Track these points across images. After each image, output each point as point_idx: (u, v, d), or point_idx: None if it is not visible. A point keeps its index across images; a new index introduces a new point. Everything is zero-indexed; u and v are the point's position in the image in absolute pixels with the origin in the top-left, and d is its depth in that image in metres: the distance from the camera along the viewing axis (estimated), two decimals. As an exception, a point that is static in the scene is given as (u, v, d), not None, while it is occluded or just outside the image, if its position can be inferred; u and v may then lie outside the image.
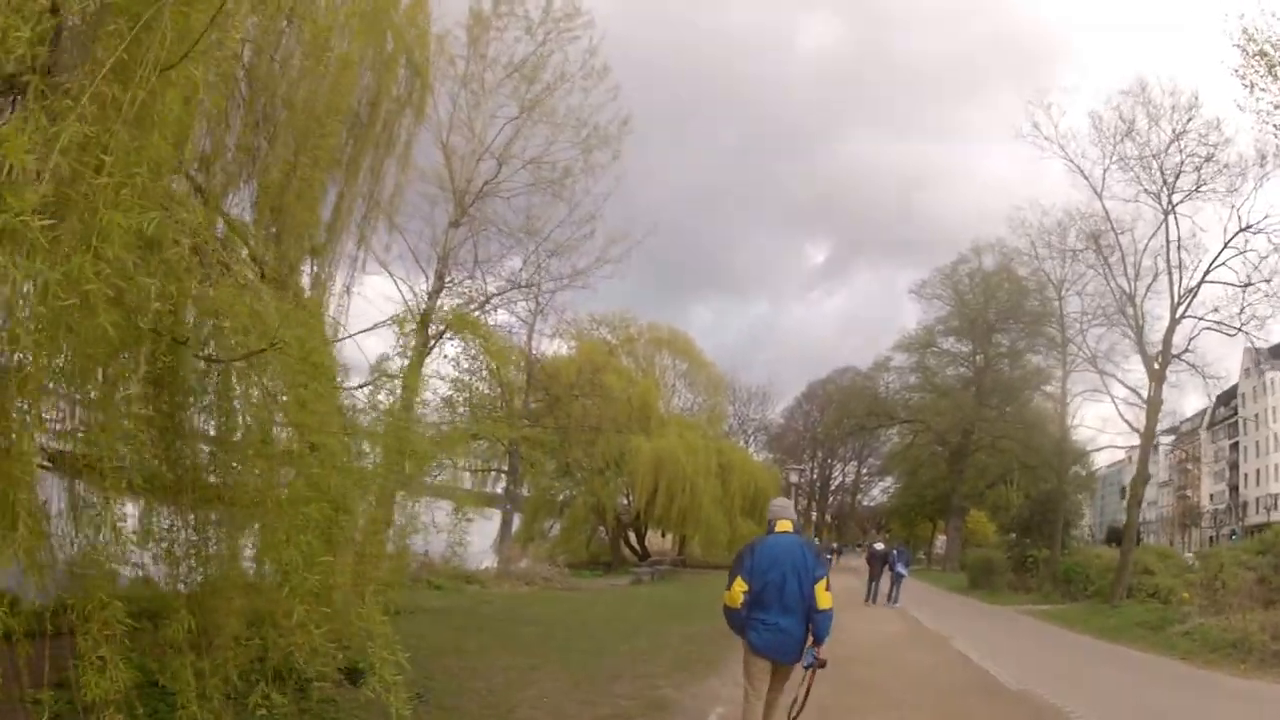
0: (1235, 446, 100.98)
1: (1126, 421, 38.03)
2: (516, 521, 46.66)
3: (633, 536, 59.25)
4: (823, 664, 8.73)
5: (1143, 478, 36.37)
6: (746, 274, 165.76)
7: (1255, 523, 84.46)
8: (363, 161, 12.15)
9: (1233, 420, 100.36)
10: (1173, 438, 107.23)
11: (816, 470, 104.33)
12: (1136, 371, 37.73)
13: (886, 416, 79.09)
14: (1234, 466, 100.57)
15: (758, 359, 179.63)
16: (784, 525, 8.97)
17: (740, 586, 8.52)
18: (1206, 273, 33.72)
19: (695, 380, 67.09)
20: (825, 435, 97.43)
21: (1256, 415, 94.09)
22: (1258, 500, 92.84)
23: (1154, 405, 35.44)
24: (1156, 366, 34.84)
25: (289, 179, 9.82)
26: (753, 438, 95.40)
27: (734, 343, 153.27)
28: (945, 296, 74.22)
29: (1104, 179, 35.38)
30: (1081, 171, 35.91)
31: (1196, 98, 33.01)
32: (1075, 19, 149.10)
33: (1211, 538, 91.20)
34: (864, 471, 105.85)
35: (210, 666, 6.83)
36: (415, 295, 22.72)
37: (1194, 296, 34.08)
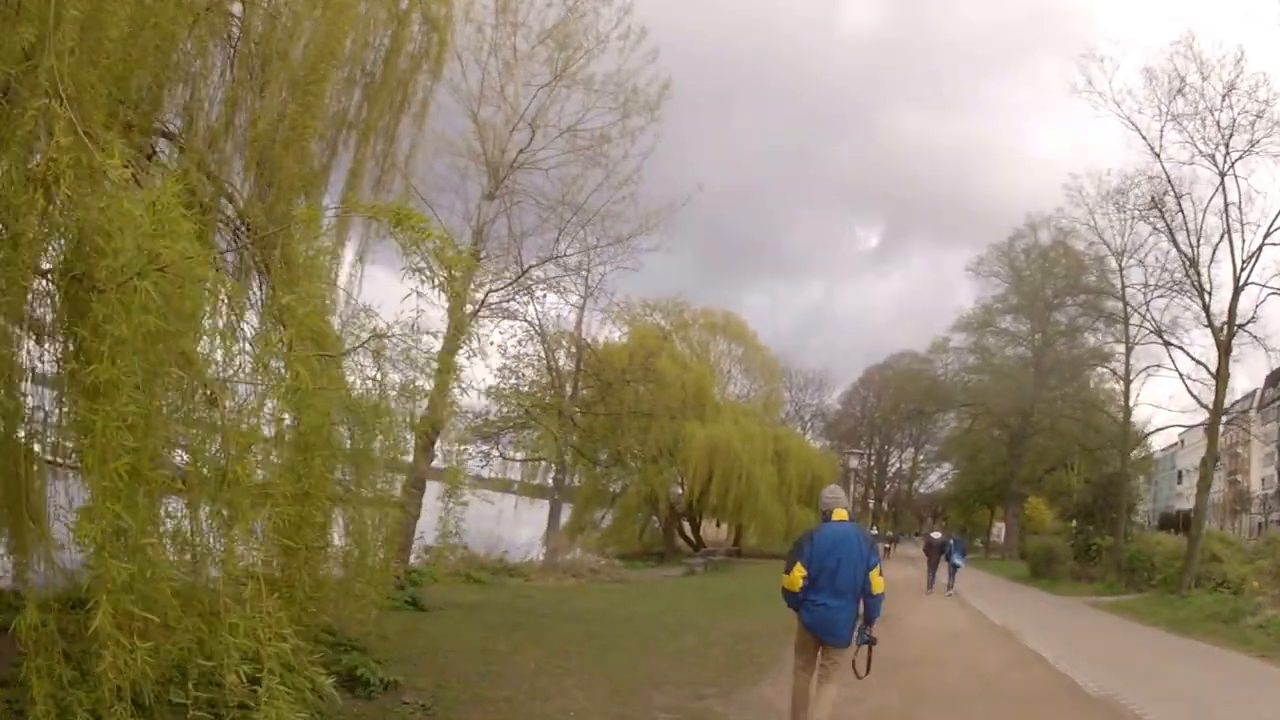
0: None
1: (1194, 396, 37.26)
2: (566, 512, 45.81)
3: (687, 526, 58.63)
4: (874, 641, 9.59)
5: (1213, 457, 35.13)
6: (799, 258, 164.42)
7: None
8: (376, 123, 11.27)
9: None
10: (1224, 420, 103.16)
11: (873, 457, 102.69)
12: (1198, 345, 36.82)
13: (945, 400, 77.92)
14: None
15: (813, 344, 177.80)
16: (839, 514, 9.49)
17: (799, 571, 9.15)
18: (1266, 235, 32.66)
19: (751, 366, 66.08)
20: (882, 421, 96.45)
21: None
22: None
23: (1222, 378, 34.28)
24: (1223, 337, 33.53)
25: (276, 127, 8.85)
26: (810, 424, 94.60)
27: (789, 328, 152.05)
28: (1002, 274, 72.98)
29: (1161, 136, 34.06)
30: (1138, 129, 34.55)
31: (1243, 52, 31.98)
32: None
33: (1261, 524, 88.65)
34: (921, 458, 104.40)
35: (71, 675, 5.49)
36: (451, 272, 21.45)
37: (1256, 261, 33.04)
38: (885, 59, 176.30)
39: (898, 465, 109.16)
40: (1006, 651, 19.37)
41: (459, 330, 20.11)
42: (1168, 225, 35.58)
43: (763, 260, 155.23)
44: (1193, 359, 36.17)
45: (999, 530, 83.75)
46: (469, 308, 21.34)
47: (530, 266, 22.74)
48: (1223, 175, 32.85)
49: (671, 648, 15.57)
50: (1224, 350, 33.63)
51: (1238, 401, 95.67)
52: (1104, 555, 41.42)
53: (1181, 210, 34.69)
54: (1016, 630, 23.04)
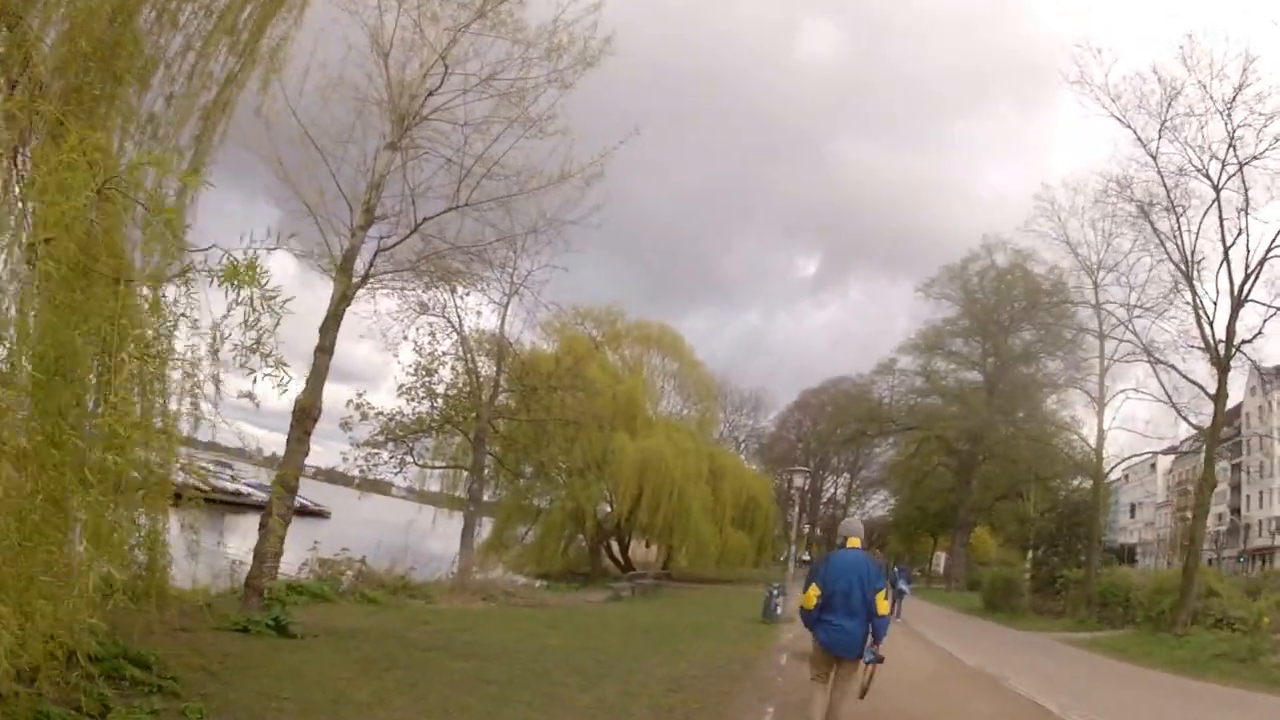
0: (1237, 468, 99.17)
1: (1184, 419, 34.85)
2: (488, 528, 43.77)
3: (615, 546, 56.11)
4: (880, 659, 10.11)
5: (1210, 483, 32.34)
6: (740, 283, 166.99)
7: (1258, 546, 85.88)
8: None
9: (1236, 440, 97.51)
10: (1173, 458, 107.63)
11: (807, 481, 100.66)
12: (1181, 365, 34.19)
13: (889, 422, 75.71)
14: (1235, 488, 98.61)
15: (749, 369, 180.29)
16: (853, 542, 10.33)
17: (814, 592, 9.91)
18: (1268, 252, 30.27)
19: (685, 382, 63.51)
20: (819, 444, 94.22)
21: (1261, 436, 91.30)
22: (1260, 523, 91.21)
23: (1221, 398, 31.63)
24: (1220, 355, 31.01)
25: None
26: (744, 445, 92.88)
27: (727, 352, 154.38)
28: (954, 295, 71.04)
29: (1159, 136, 31.60)
30: (1132, 128, 32.17)
31: (1249, 60, 29.51)
32: (1078, 32, 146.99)
33: (1211, 560, 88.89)
34: (856, 484, 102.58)
35: None
36: (336, 229, 17.94)
37: (1256, 278, 30.64)
38: (839, 91, 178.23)
39: (832, 490, 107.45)
40: (1000, 703, 16.29)
41: (343, 299, 16.93)
42: (1158, 236, 33.34)
43: (702, 284, 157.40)
44: (1187, 379, 33.47)
45: (940, 559, 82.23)
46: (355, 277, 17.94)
47: (427, 219, 18.96)
48: (1218, 189, 30.71)
49: (584, 700, 11.83)
50: (1222, 369, 31.23)
51: (1186, 440, 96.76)
52: (1070, 588, 38.88)
53: (1177, 219, 32.36)
54: (998, 674, 19.91)
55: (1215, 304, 31.43)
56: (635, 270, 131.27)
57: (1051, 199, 39.62)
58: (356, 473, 37.64)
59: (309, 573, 23.56)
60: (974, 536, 73.67)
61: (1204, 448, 33.36)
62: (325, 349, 17.52)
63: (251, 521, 19.92)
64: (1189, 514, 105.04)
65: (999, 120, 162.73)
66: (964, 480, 69.17)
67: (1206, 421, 33.25)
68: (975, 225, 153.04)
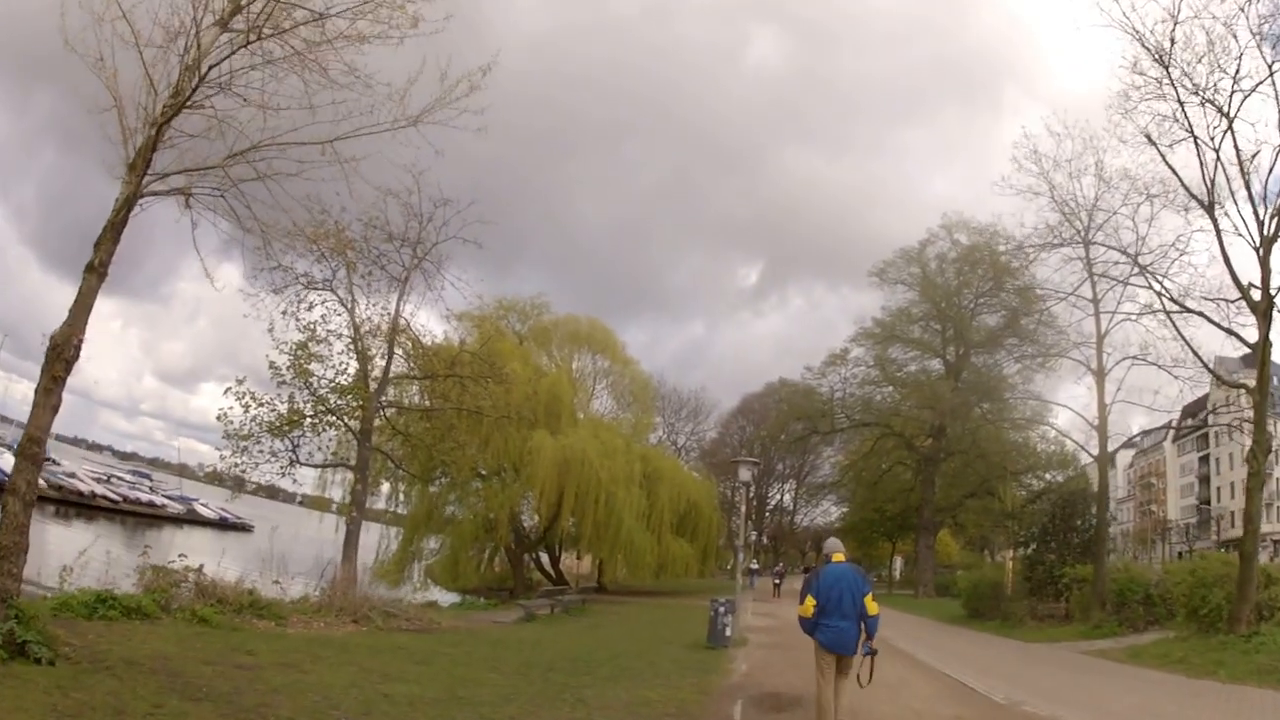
0: (1206, 459, 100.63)
1: (1215, 375, 32.10)
2: (393, 537, 41.29)
3: (545, 559, 51.73)
4: (875, 652, 11.14)
5: (1264, 449, 26.75)
6: (681, 293, 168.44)
7: (1231, 537, 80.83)
8: None
9: (1202, 432, 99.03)
10: (1132, 453, 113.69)
11: (752, 488, 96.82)
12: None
13: (841, 418, 70.82)
14: (1204, 480, 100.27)
15: (691, 379, 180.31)
16: (838, 557, 11.68)
17: (811, 602, 11.26)
18: None
19: (619, 382, 59.11)
20: (763, 449, 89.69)
21: (1230, 426, 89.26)
22: (1232, 514, 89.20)
23: (1265, 347, 26.46)
24: (1257, 300, 26.00)
25: None
26: (683, 451, 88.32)
27: (668, 363, 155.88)
28: (910, 280, 66.93)
29: (1171, 45, 26.23)
30: (1138, 36, 26.73)
31: None
32: (1019, 41, 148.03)
33: (1180, 553, 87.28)
34: (803, 491, 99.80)
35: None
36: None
37: None
38: (785, 98, 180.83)
39: (778, 497, 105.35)
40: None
41: (127, 204, 11.68)
42: (1169, 166, 28.25)
43: (644, 295, 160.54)
44: (1221, 328, 28.37)
45: (898, 565, 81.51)
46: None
47: (212, 67, 13.37)
48: (1230, 118, 25.93)
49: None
50: (1262, 314, 25.99)
51: (1149, 433, 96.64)
52: (1074, 589, 33.40)
53: (1197, 143, 27.02)
54: (1050, 716, 14.08)
55: (1260, 238, 26.45)
56: (575, 282, 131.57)
57: (1033, 147, 34.10)
58: (234, 473, 31.73)
59: (136, 582, 18.93)
60: (936, 539, 69.43)
61: (1253, 406, 27.69)
62: (95, 268, 12.14)
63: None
64: (1153, 507, 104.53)
65: (942, 129, 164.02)
66: (926, 478, 64.68)
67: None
68: (917, 230, 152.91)
